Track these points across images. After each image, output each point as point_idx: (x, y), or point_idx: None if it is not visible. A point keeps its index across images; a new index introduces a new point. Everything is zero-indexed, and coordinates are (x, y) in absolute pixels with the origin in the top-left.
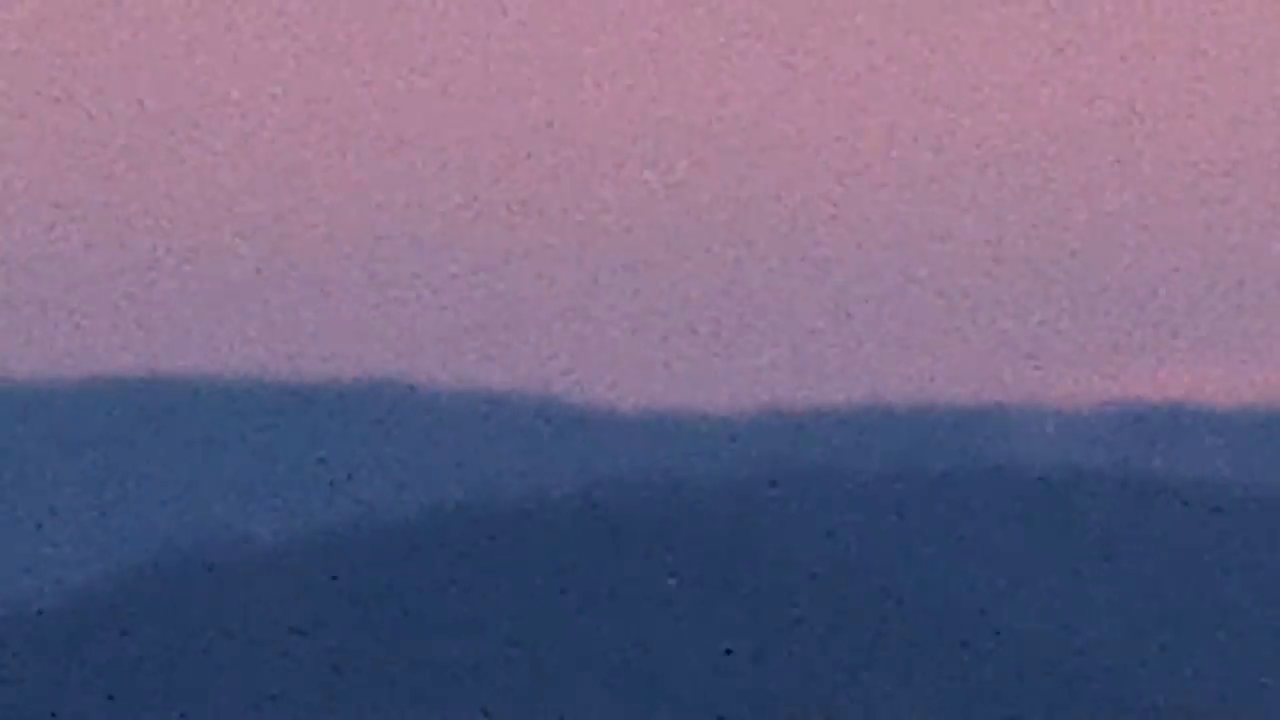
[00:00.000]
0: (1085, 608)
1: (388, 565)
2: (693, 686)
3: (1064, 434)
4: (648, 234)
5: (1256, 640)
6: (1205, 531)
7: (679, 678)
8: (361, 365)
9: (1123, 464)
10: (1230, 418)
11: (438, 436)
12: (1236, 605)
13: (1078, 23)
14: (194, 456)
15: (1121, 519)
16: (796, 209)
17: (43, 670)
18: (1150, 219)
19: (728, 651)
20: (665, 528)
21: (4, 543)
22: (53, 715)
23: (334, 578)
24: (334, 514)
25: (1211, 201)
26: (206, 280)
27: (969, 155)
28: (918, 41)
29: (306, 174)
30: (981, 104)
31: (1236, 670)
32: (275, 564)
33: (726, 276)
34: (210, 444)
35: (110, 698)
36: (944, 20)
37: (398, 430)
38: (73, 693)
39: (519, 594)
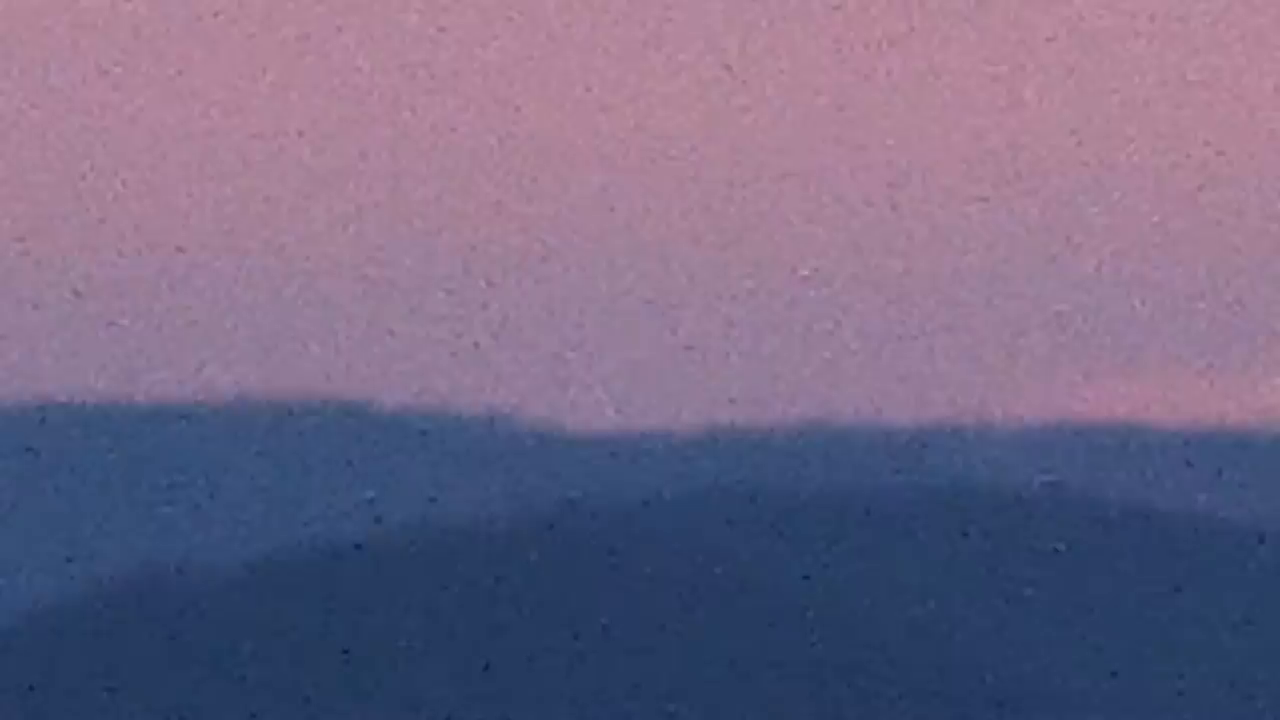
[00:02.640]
0: (1031, 629)
1: (338, 586)
2: (646, 705)
3: (1011, 452)
4: (593, 256)
5: (1204, 660)
6: (1152, 550)
7: (632, 697)
8: (311, 383)
9: (1070, 483)
10: (1177, 436)
11: (385, 456)
12: (1183, 624)
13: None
14: (138, 478)
15: (1069, 538)
16: (746, 227)
17: None
18: (1100, 234)
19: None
20: (618, 549)
21: None
22: None
23: (282, 600)
24: (283, 535)
25: (1166, 214)
26: (144, 295)
27: (920, 171)
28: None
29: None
30: (932, 118)
31: (1185, 690)
32: (224, 588)
33: (677, 294)
34: (151, 465)
35: None
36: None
37: (348, 449)
38: None
39: (470, 615)
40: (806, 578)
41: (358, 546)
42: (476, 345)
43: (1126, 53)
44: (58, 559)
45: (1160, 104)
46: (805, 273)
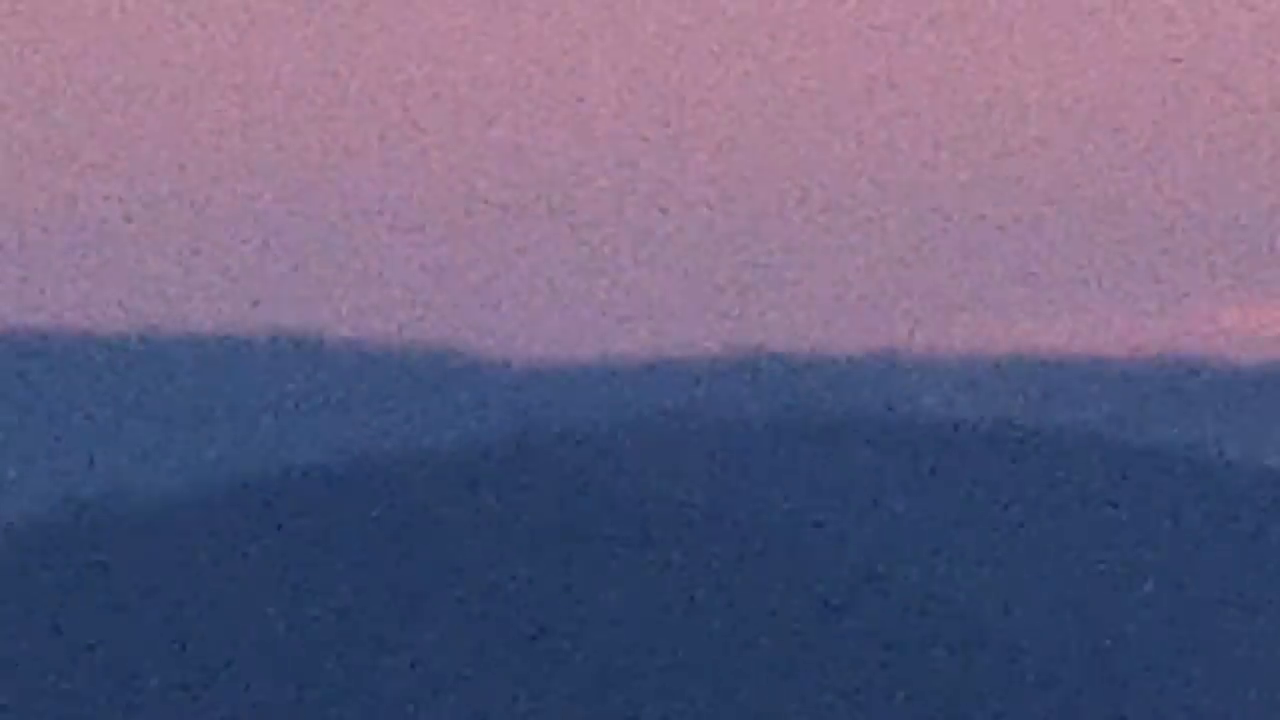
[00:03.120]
0: (964, 558)
1: (290, 515)
2: (574, 631)
3: (947, 384)
4: (542, 192)
5: (1133, 590)
6: (1096, 482)
7: (562, 621)
8: (256, 316)
9: (1004, 414)
10: (1108, 368)
11: (328, 389)
12: (1111, 554)
13: None
14: (65, 410)
15: (1002, 469)
16: (693, 158)
17: None
18: (1029, 170)
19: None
20: (557, 476)
21: None
22: None
23: (227, 530)
24: (235, 464)
25: (1086, 153)
26: (81, 230)
27: (857, 109)
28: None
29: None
30: (858, 58)
31: (1110, 621)
32: (162, 517)
33: (613, 224)
34: (84, 396)
35: None
36: None
37: (287, 382)
38: None
39: (418, 542)
40: (750, 503)
41: (309, 474)
42: (426, 278)
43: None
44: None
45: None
46: (751, 204)
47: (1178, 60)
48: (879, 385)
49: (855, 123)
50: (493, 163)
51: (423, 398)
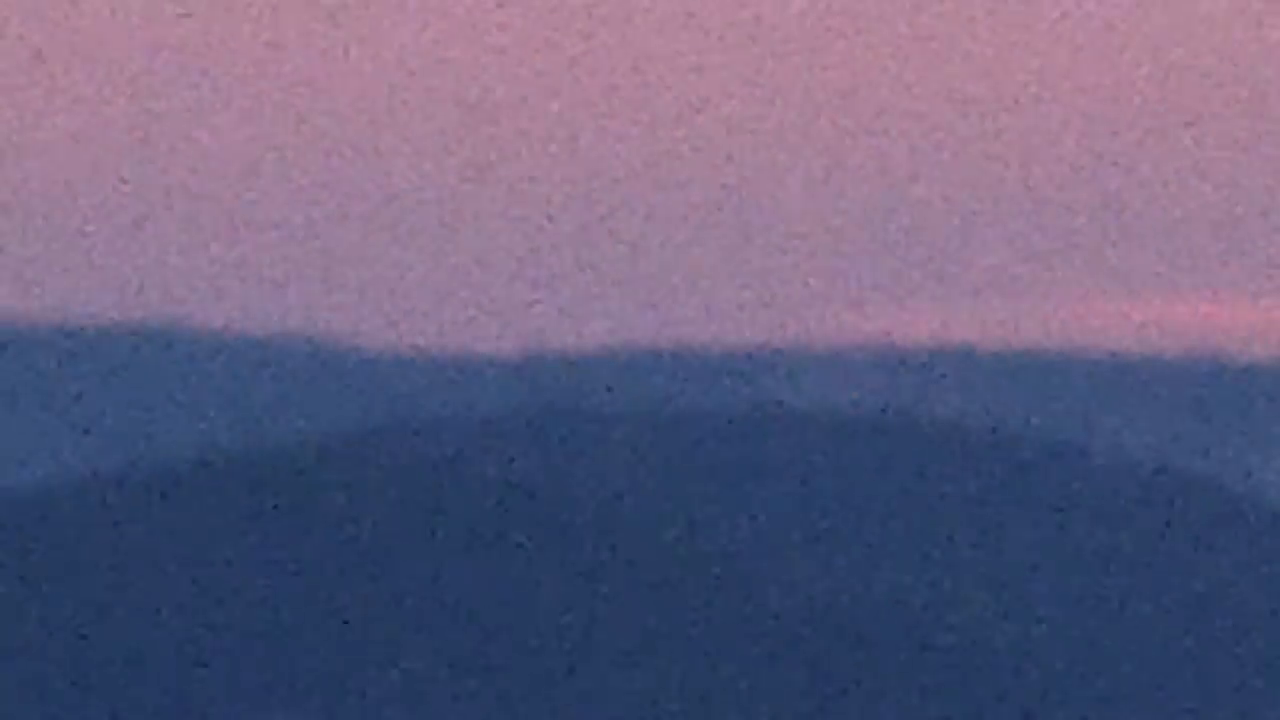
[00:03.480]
0: (827, 547)
1: (165, 507)
2: (458, 623)
3: (817, 376)
4: (427, 175)
5: (1017, 577)
6: (953, 472)
7: (451, 619)
8: (125, 308)
9: (874, 404)
10: (978, 358)
11: (204, 378)
12: (999, 537)
13: None
14: None
15: (870, 459)
16: (585, 151)
17: None
18: (895, 162)
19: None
20: (434, 469)
21: None
22: None
23: (95, 522)
24: (113, 455)
25: (961, 144)
26: None
27: (749, 101)
28: None
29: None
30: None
31: (1002, 609)
32: (32, 508)
33: (497, 216)
34: None
35: None
36: None
37: (161, 373)
38: None
39: (292, 532)
40: (614, 494)
41: (187, 467)
42: (307, 269)
43: None
44: None
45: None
46: (632, 196)
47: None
48: (749, 378)
49: (724, 117)
50: (357, 160)
51: (291, 388)
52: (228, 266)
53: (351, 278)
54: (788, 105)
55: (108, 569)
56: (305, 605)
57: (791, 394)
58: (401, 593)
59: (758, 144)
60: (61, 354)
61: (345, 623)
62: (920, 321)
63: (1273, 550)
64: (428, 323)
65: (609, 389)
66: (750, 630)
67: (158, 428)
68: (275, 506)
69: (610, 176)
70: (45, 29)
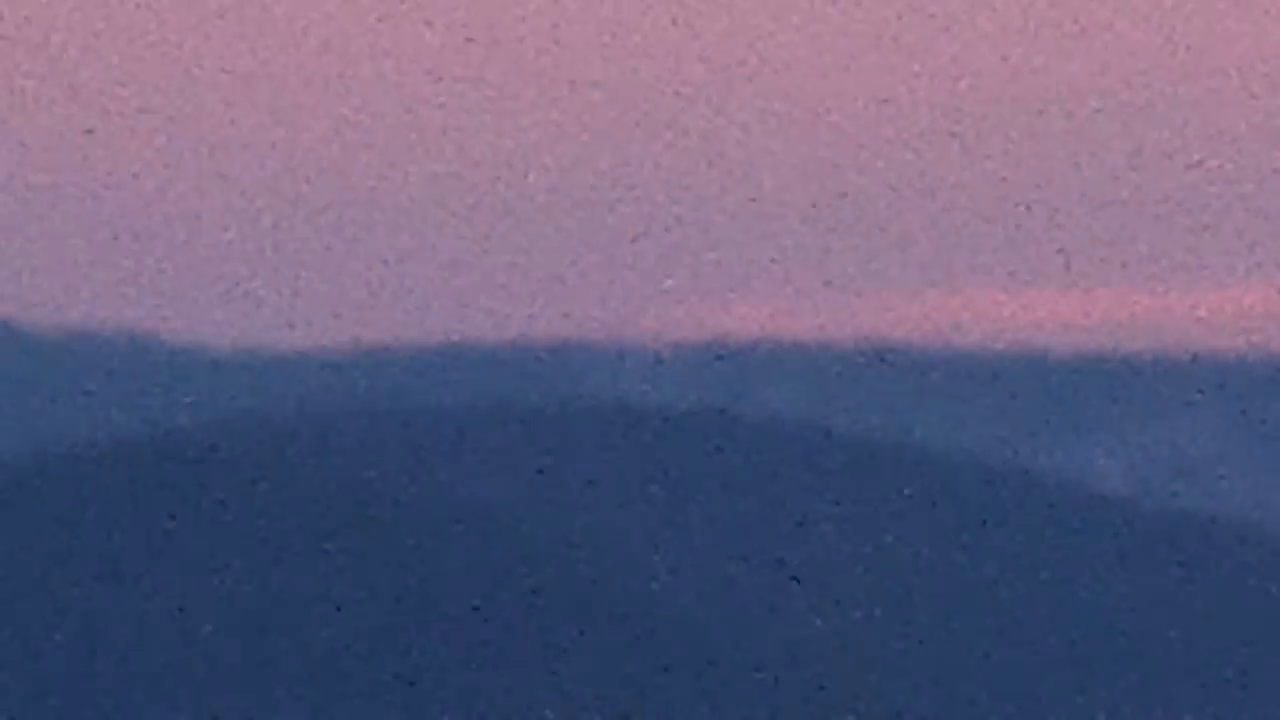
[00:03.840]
0: (668, 548)
1: None
2: (260, 622)
3: (653, 369)
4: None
5: (845, 580)
6: (777, 468)
7: (282, 614)
8: None
9: (709, 399)
10: (807, 353)
11: (28, 377)
12: (815, 539)
13: None
14: None
15: (706, 455)
16: (379, 146)
17: None
18: (728, 156)
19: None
20: (250, 466)
21: None
22: None
23: None
24: None
25: (794, 137)
26: None
27: (581, 86)
28: None
29: None
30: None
31: (827, 610)
32: None
33: (310, 207)
34: None
35: None
36: None
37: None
38: None
39: (108, 534)
40: (444, 491)
41: (23, 464)
42: (127, 263)
43: None
44: None
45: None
46: (463, 188)
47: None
48: (575, 372)
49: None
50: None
51: (130, 384)
52: (71, 264)
53: (190, 275)
54: (620, 98)
55: None
56: (129, 603)
57: (615, 388)
58: (227, 588)
59: (592, 134)
60: None
61: (169, 620)
62: (749, 316)
63: (1083, 540)
64: (260, 319)
65: (442, 384)
66: (578, 625)
67: None
68: (106, 503)
69: (452, 168)
70: None
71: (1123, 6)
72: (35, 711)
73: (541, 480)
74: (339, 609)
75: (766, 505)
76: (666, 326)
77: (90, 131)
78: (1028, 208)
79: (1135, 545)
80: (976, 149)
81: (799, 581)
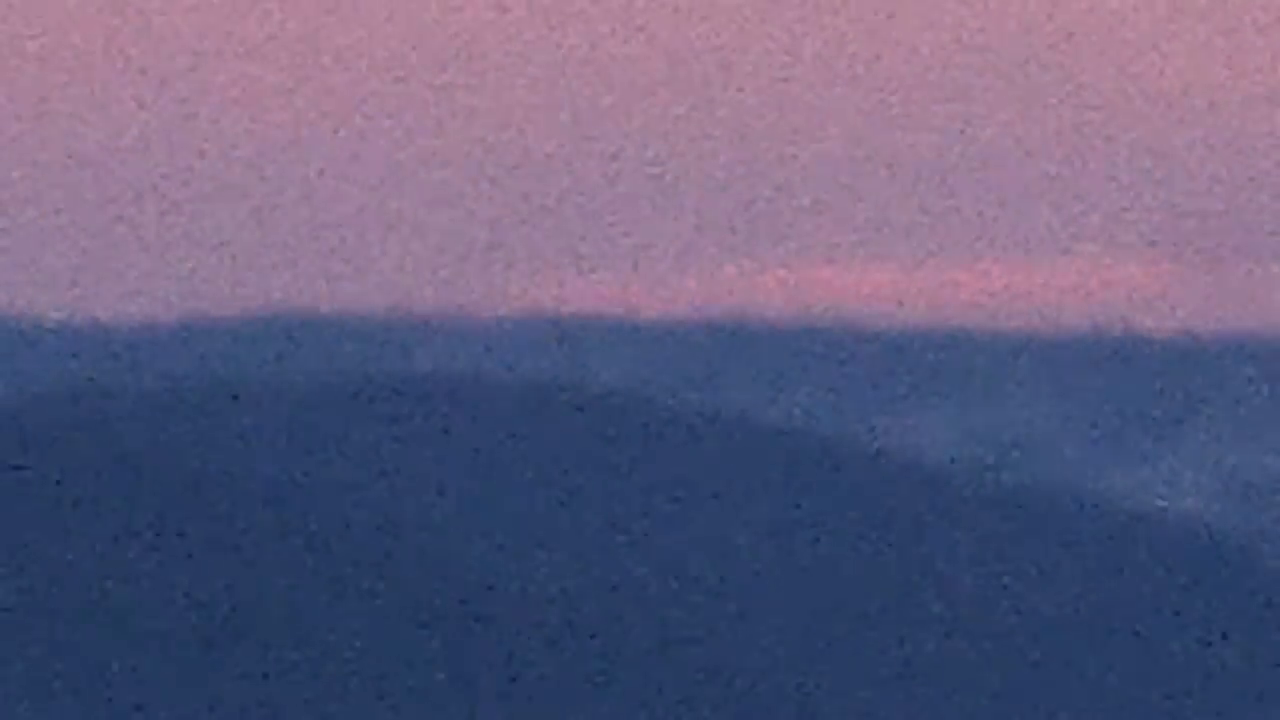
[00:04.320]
0: (483, 517)
1: None
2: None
3: (493, 343)
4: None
5: (683, 554)
6: (631, 443)
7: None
8: None
9: (550, 373)
10: (654, 328)
11: None
12: (654, 515)
13: None
14: None
15: (532, 429)
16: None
17: None
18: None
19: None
20: (85, 440)
21: None
22: None
23: None
24: None
25: (645, 110)
26: None
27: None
28: None
29: None
30: None
31: (666, 584)
32: None
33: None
34: None
35: None
36: None
37: None
38: None
39: None
40: (275, 467)
41: None
42: None
43: None
44: None
45: None
46: (307, 154)
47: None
48: (411, 345)
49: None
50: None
51: None
52: None
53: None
54: (474, 68)
55: None
56: None
57: (454, 362)
58: (32, 566)
59: (435, 107)
60: None
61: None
62: (590, 290)
63: (913, 512)
64: (84, 290)
65: (273, 359)
66: (395, 596)
67: None
68: None
69: (278, 132)
70: None
71: None
72: None
73: (372, 454)
74: (149, 586)
75: (607, 480)
76: (507, 300)
77: None
78: (858, 184)
79: (964, 517)
80: (812, 126)
81: (641, 558)
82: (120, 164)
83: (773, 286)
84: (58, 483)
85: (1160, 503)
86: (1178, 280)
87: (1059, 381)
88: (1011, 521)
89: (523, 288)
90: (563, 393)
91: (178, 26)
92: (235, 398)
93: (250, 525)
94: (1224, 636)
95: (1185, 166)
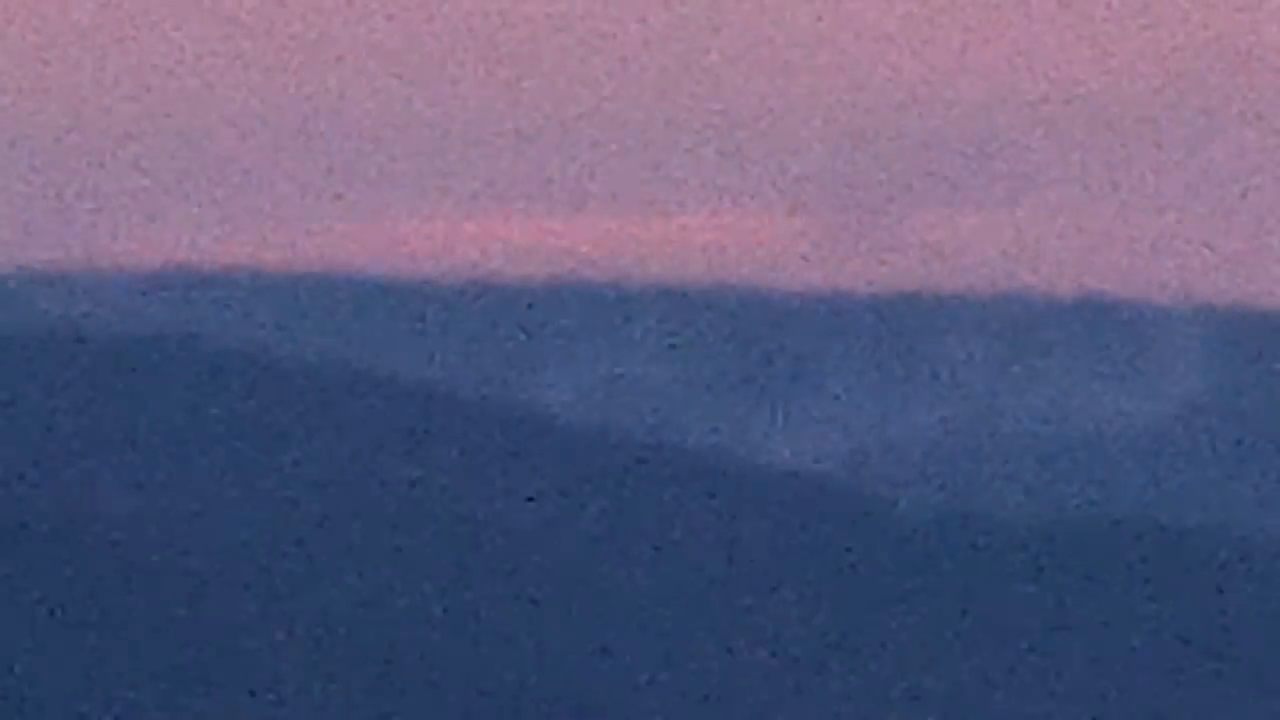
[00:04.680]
0: (116, 475)
1: None
2: None
3: (109, 296)
4: None
5: (296, 499)
6: (250, 397)
7: None
8: None
9: (169, 328)
10: (271, 281)
11: None
12: (265, 465)
13: None
14: None
15: (162, 383)
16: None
17: None
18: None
19: None
20: None
21: None
22: None
23: None
24: None
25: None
26: None
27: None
28: None
29: None
30: None
31: (304, 538)
32: None
33: None
34: None
35: None
36: None
37: None
38: None
39: None
40: None
41: None
42: None
43: None
44: None
45: None
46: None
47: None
48: (30, 296)
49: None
50: None
51: None
52: None
53: None
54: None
55: None
56: None
57: (70, 314)
58: None
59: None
60: None
61: None
62: (206, 244)
63: (536, 466)
64: None
65: None
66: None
67: None
68: None
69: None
70: None
71: None
72: None
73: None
74: None
75: (214, 430)
76: (126, 253)
77: None
78: (487, 137)
79: (591, 475)
80: (432, 81)
81: (241, 508)
82: None
83: (390, 237)
84: None
85: (785, 461)
86: (802, 236)
87: (683, 337)
88: (634, 478)
89: (140, 240)
90: (178, 346)
91: None
92: None
93: None
94: (853, 590)
95: (807, 123)
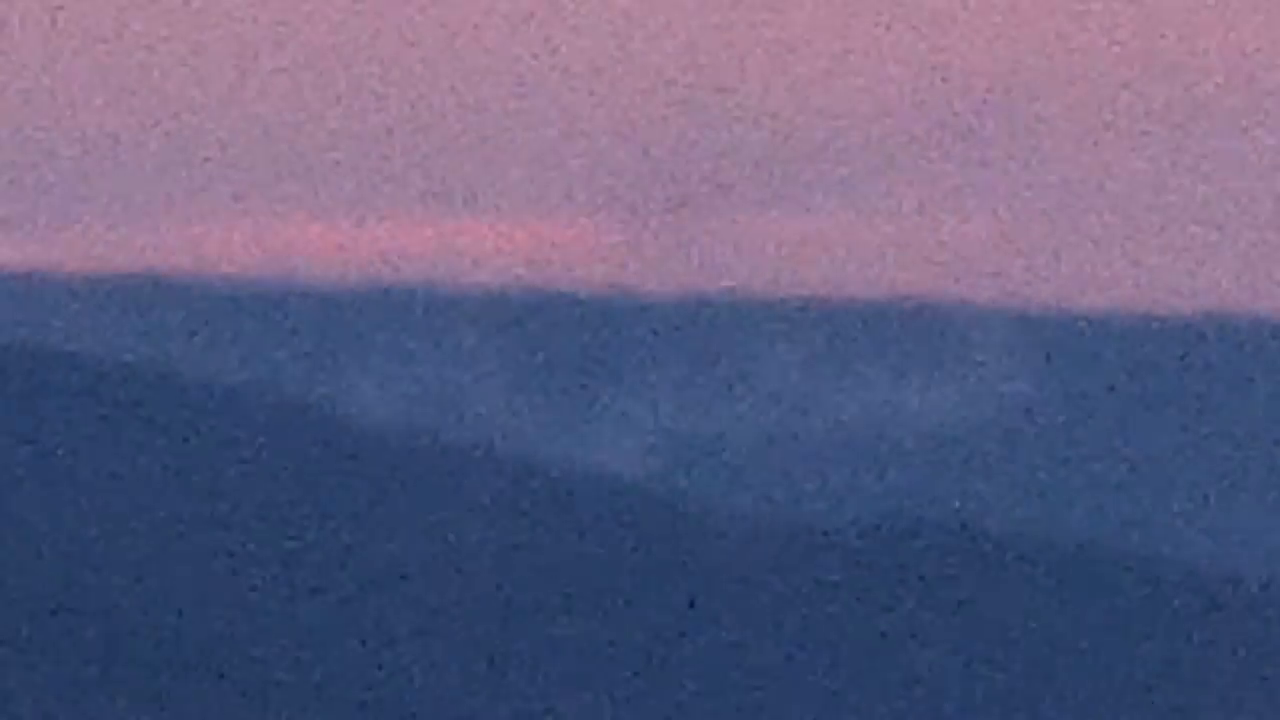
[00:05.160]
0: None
1: None
2: None
3: None
4: None
5: (153, 499)
6: (66, 400)
7: None
8: None
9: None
10: (89, 284)
11: None
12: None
13: None
14: None
15: None
16: None
17: None
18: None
19: None
20: None
21: None
22: None
23: None
24: None
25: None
26: None
27: None
28: None
29: None
30: None
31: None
32: None
33: None
34: None
35: None
36: None
37: None
38: None
39: None
40: None
41: None
42: None
43: None
44: None
45: None
46: None
47: None
48: None
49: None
50: None
51: None
52: None
53: None
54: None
55: None
56: None
57: None
58: None
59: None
60: None
61: None
62: (22, 246)
63: (336, 476)
64: None
65: None
66: None
67: None
68: None
69: None
70: None
71: None
72: None
73: None
74: None
75: (72, 431)
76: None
77: None
78: (299, 142)
79: (406, 481)
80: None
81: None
82: None
83: (204, 240)
84: None
85: (592, 463)
86: (608, 237)
87: (489, 340)
88: (448, 483)
89: None
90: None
91: None
92: None
93: None
94: (651, 593)
95: (614, 127)
